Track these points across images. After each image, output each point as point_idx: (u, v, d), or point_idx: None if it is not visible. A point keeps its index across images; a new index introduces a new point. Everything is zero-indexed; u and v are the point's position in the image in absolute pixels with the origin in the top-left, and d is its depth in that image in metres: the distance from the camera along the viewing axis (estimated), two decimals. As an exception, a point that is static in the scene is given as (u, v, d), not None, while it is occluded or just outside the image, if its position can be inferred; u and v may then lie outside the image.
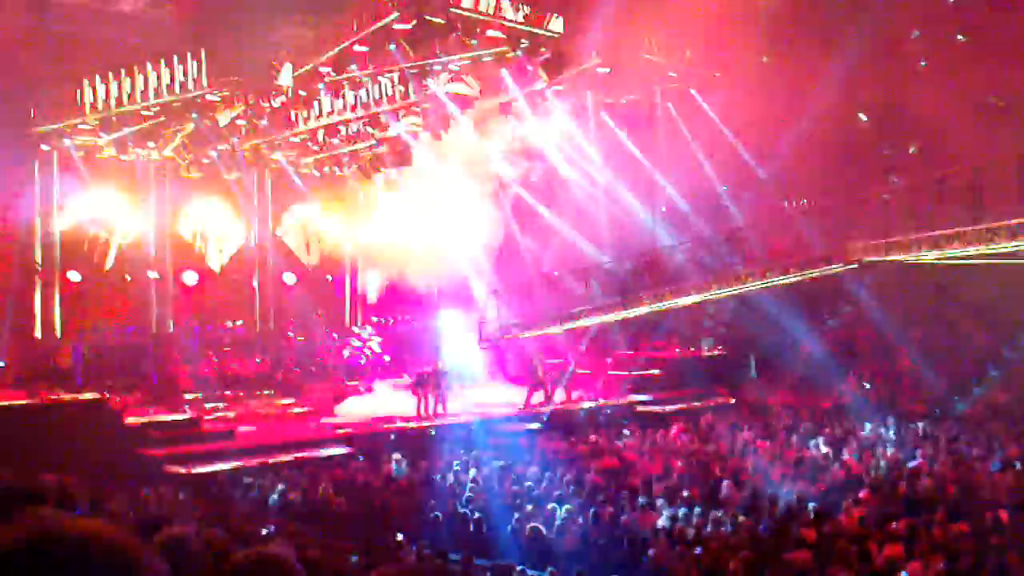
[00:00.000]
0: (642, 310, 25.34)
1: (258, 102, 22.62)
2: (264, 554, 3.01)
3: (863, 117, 31.17)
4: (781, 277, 23.58)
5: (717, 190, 30.39)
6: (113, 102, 22.09)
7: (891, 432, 20.91)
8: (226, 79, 21.44)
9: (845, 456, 17.90)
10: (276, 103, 22.94)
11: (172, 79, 21.35)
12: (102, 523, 2.04)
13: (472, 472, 17.29)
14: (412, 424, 22.66)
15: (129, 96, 21.89)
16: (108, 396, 21.85)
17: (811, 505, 13.54)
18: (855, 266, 22.68)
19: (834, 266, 22.96)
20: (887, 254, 21.45)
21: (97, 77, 22.13)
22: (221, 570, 3.31)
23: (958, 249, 19.68)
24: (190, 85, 21.24)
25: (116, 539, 1.96)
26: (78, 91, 22.48)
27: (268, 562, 2.95)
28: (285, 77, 21.44)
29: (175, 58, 21.29)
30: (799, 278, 23.74)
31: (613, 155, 29.30)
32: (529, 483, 16.16)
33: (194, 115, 22.08)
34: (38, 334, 24.20)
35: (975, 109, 26.42)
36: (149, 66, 21.52)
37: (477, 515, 14.08)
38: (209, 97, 21.69)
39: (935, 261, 21.95)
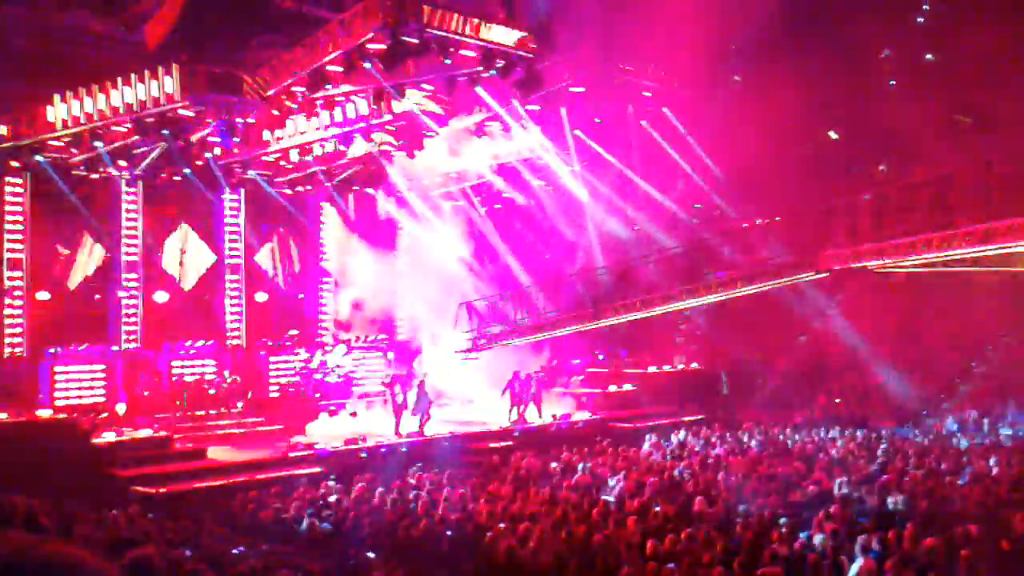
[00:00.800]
0: (612, 321, 25.50)
1: (231, 119, 22.50)
2: None
3: (833, 135, 31.54)
4: (751, 286, 23.73)
5: (689, 206, 30.63)
6: (84, 117, 21.95)
7: (861, 447, 21.08)
8: (199, 95, 21.29)
9: (816, 471, 17.99)
10: (250, 119, 22.82)
11: (146, 94, 21.23)
12: (70, 546, 2.03)
13: (446, 491, 17.25)
14: (384, 442, 22.55)
15: (100, 112, 21.76)
16: (77, 416, 21.63)
17: (783, 520, 13.60)
18: (826, 274, 22.85)
19: (804, 275, 23.13)
20: (857, 261, 21.63)
21: (69, 92, 22.01)
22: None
23: (927, 255, 19.90)
24: (163, 100, 21.12)
25: (83, 561, 1.96)
26: (48, 107, 22.33)
27: None
28: (257, 95, 21.39)
29: (146, 73, 21.19)
30: (769, 287, 23.91)
31: (587, 171, 29.49)
32: (503, 501, 16.15)
33: (166, 132, 21.92)
34: (5, 354, 23.92)
35: (943, 125, 26.82)
36: (120, 81, 21.41)
37: (450, 533, 14.04)
38: (182, 112, 21.58)
39: (904, 269, 22.18)
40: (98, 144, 22.58)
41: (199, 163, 25.28)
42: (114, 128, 22.30)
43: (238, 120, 22.33)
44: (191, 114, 21.72)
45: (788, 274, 23.42)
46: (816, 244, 22.81)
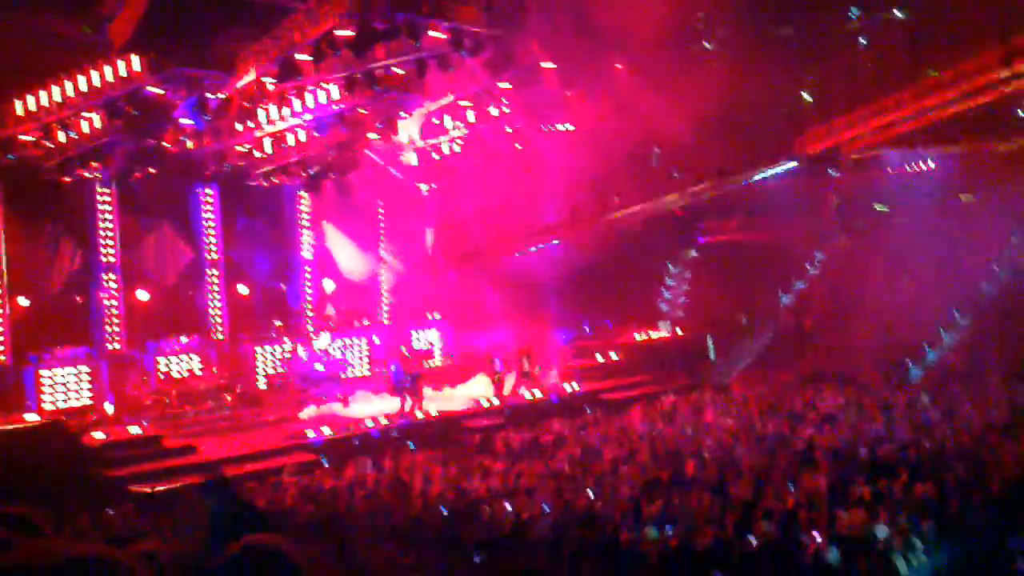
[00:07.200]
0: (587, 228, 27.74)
1: (201, 94, 22.13)
2: (256, 543, 2.89)
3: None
4: (730, 180, 24.83)
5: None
6: (54, 107, 21.69)
7: (850, 402, 21.22)
8: (166, 71, 20.98)
9: (806, 428, 18.15)
10: (220, 94, 22.48)
11: (113, 76, 21.00)
12: (99, 544, 2.06)
13: (440, 469, 17.32)
14: (375, 426, 22.54)
15: (69, 100, 21.52)
16: (65, 419, 21.56)
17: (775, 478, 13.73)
18: (800, 162, 23.47)
19: (782, 164, 23.76)
20: (830, 138, 22.28)
21: (37, 85, 21.78)
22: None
23: (900, 116, 20.52)
24: (131, 80, 20.88)
25: (110, 557, 1.98)
26: (16, 101, 22.07)
27: (261, 551, 2.85)
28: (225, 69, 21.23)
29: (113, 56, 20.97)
30: (746, 180, 24.72)
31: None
32: (497, 476, 16.23)
33: (136, 112, 21.53)
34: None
35: None
36: (87, 67, 21.19)
37: (446, 512, 14.10)
38: (150, 90, 21.28)
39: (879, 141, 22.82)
40: (69, 135, 22.28)
41: (172, 155, 24.99)
42: (84, 117, 22.01)
43: (208, 95, 22.07)
44: (160, 91, 21.43)
45: (765, 165, 24.03)
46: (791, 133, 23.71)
